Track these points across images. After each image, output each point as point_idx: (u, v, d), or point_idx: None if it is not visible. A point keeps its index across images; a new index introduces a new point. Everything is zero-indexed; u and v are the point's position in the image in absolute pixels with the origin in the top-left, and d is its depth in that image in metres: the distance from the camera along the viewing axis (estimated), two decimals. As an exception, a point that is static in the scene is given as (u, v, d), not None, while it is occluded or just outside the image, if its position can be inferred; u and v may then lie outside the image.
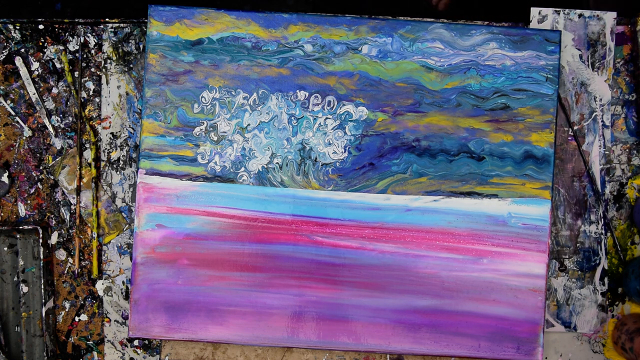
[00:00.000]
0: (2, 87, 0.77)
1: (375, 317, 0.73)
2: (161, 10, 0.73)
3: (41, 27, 0.77)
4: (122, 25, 0.77)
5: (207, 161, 0.74)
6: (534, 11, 0.77)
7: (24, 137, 0.77)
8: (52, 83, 0.77)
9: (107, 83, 0.77)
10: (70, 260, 0.77)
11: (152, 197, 0.73)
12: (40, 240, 0.74)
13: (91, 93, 0.77)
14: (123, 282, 0.77)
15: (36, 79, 0.77)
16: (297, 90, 0.74)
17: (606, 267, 0.76)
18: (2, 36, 0.77)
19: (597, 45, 0.77)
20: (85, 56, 0.77)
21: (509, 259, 0.73)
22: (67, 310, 0.77)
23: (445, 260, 0.73)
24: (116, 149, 0.77)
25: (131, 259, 0.74)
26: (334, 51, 0.73)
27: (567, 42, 0.77)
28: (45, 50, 0.77)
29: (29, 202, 0.77)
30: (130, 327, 0.73)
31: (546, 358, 0.76)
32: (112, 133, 0.77)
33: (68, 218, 0.77)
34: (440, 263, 0.73)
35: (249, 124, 0.74)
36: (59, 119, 0.77)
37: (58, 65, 0.77)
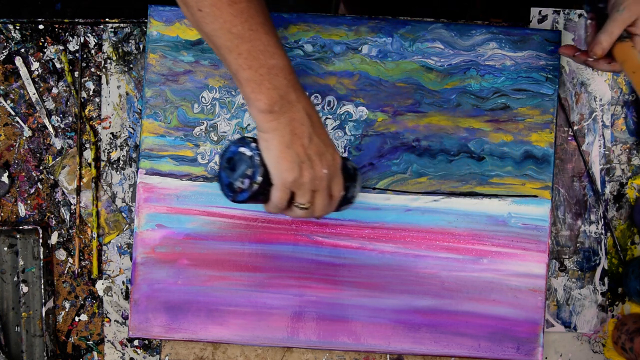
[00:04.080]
0: (2, 87, 0.77)
1: (375, 317, 0.73)
2: (161, 10, 0.73)
3: (41, 27, 0.77)
4: (122, 25, 0.77)
5: (207, 161, 0.74)
6: (534, 11, 0.77)
7: (24, 137, 0.77)
8: (52, 83, 0.77)
9: (107, 83, 0.77)
10: (70, 260, 0.77)
11: (152, 197, 0.73)
12: (40, 240, 0.74)
13: (91, 93, 0.77)
14: (123, 282, 0.77)
15: (36, 79, 0.77)
16: (297, 90, 0.74)
17: (606, 267, 0.76)
18: (2, 36, 0.77)
19: (597, 45, 0.77)
20: (85, 56, 0.77)
21: (509, 259, 0.73)
22: (67, 310, 0.77)
23: (445, 260, 0.73)
24: (116, 149, 0.77)
25: (131, 259, 0.74)
26: (334, 51, 0.73)
27: (567, 42, 0.77)
28: (45, 50, 0.77)
29: (29, 202, 0.77)
30: (130, 327, 0.73)
31: (546, 358, 0.76)
32: (112, 133, 0.77)
33: (68, 218, 0.77)
34: (440, 263, 0.73)
35: (249, 124, 0.74)
36: (59, 119, 0.77)
37: (58, 65, 0.77)
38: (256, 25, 0.52)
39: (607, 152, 0.77)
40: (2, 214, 0.77)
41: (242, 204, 0.57)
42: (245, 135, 0.56)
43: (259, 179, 0.55)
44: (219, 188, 0.58)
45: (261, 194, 0.56)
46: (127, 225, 0.77)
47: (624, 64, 0.60)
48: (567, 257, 0.76)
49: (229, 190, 0.57)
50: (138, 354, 0.77)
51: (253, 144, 0.56)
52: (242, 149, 0.56)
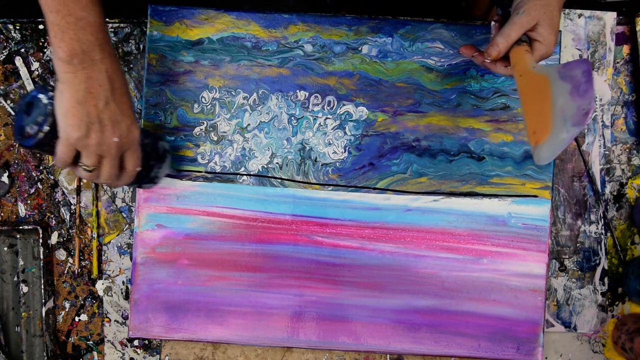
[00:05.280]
0: (2, 87, 0.77)
1: (375, 317, 0.73)
2: (161, 10, 0.73)
3: (41, 27, 0.77)
4: (122, 25, 0.77)
5: (207, 161, 0.74)
6: (534, 11, 0.77)
7: (24, 137, 0.77)
8: (52, 83, 0.77)
9: (107, 83, 0.77)
10: (70, 260, 0.77)
11: (152, 197, 0.73)
12: (40, 240, 0.74)
13: (91, 93, 0.77)
14: (123, 282, 0.77)
15: (36, 79, 0.77)
16: (297, 90, 0.74)
17: (606, 267, 0.76)
18: (2, 36, 0.77)
19: (597, 45, 0.77)
20: (85, 56, 0.77)
21: (509, 259, 0.73)
22: (67, 310, 0.77)
23: (445, 260, 0.73)
24: (116, 149, 0.77)
25: (131, 259, 0.74)
26: (334, 51, 0.73)
27: (567, 42, 0.77)
28: (45, 50, 0.77)
29: (29, 202, 0.77)
30: (130, 327, 0.73)
31: (546, 358, 0.76)
32: (112, 133, 0.77)
33: (68, 218, 0.77)
34: (440, 263, 0.73)
35: (249, 124, 0.74)
36: (59, 119, 0.77)
37: (58, 65, 0.77)
38: None
39: (607, 152, 0.77)
40: (2, 214, 0.77)
41: (32, 150, 0.57)
42: (49, 83, 0.56)
43: (46, 128, 0.54)
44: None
45: (47, 145, 0.55)
46: (127, 225, 0.77)
47: (515, 67, 0.59)
48: (567, 257, 0.76)
49: (19, 133, 0.56)
50: (138, 354, 0.77)
51: (51, 93, 0.55)
52: (40, 95, 0.56)
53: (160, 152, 0.64)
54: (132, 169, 0.59)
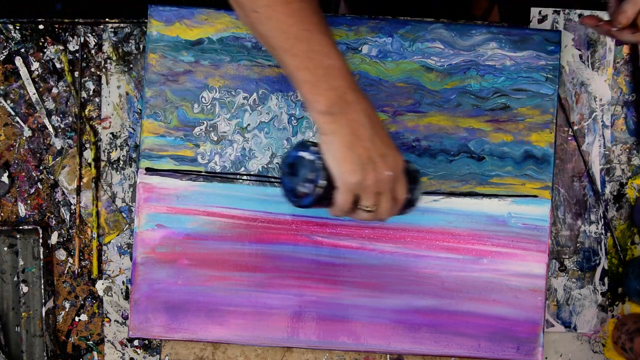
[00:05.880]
0: (2, 87, 0.77)
1: (375, 317, 0.73)
2: (161, 10, 0.73)
3: (41, 27, 0.77)
4: (122, 25, 0.77)
5: (207, 161, 0.74)
6: (534, 11, 0.77)
7: (24, 137, 0.77)
8: (52, 83, 0.77)
9: (107, 83, 0.77)
10: (70, 260, 0.77)
11: (152, 197, 0.73)
12: (40, 240, 0.74)
13: (91, 93, 0.77)
14: (123, 282, 0.77)
15: (36, 79, 0.77)
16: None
17: (606, 267, 0.76)
18: (2, 36, 0.77)
19: (597, 45, 0.77)
20: (85, 56, 0.77)
21: (509, 259, 0.73)
22: (67, 310, 0.77)
23: (445, 260, 0.73)
24: (116, 149, 0.77)
25: (131, 259, 0.74)
26: (334, 51, 0.73)
27: (567, 42, 0.77)
28: (45, 50, 0.77)
29: (29, 202, 0.77)
30: (130, 327, 0.73)
31: (546, 358, 0.76)
32: (112, 133, 0.77)
33: (68, 218, 0.77)
34: (440, 263, 0.73)
35: (249, 124, 0.74)
36: (59, 119, 0.77)
37: (58, 65, 0.77)
38: (311, 25, 0.51)
39: (607, 152, 0.77)
40: (2, 214, 0.77)
41: (306, 209, 0.56)
42: (305, 139, 0.55)
43: (322, 182, 0.54)
44: (282, 194, 0.57)
45: (325, 198, 0.55)
46: (127, 225, 0.77)
47: None
48: (567, 257, 0.76)
49: (293, 195, 0.56)
50: (138, 354, 0.77)
51: (313, 148, 0.55)
52: (302, 153, 0.55)
53: (412, 174, 0.63)
54: (403, 198, 0.58)
